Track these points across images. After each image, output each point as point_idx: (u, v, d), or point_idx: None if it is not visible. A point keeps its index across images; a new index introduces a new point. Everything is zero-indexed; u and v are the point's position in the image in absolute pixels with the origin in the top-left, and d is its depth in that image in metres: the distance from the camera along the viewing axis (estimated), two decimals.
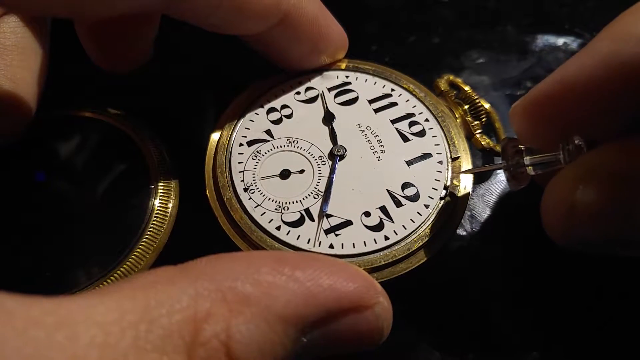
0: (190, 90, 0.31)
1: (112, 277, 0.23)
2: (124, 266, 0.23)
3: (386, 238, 0.24)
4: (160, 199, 0.25)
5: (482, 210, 0.28)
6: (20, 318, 0.12)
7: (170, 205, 0.25)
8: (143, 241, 0.24)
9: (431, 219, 0.25)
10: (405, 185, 0.25)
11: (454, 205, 0.25)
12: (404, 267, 0.24)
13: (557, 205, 0.20)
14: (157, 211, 0.25)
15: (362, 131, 0.27)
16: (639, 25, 0.19)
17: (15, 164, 0.26)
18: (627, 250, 0.20)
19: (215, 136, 0.27)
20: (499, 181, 0.29)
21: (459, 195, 0.25)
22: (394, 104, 0.28)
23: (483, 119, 0.28)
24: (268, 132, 0.27)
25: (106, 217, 0.24)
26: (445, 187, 0.25)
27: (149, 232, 0.24)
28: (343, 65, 0.29)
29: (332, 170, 0.25)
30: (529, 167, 0.23)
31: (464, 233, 0.27)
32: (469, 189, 0.26)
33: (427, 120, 0.27)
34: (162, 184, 0.25)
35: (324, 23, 0.26)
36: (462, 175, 0.26)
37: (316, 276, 0.17)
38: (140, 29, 0.26)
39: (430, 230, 0.24)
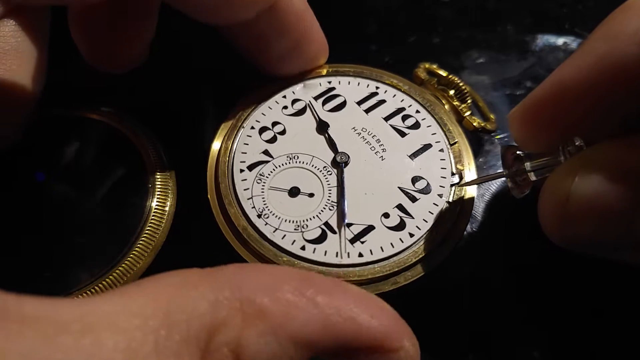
0: (189, 90, 0.31)
1: (110, 277, 0.23)
2: (122, 265, 0.23)
3: (411, 235, 0.24)
4: (157, 199, 0.25)
5: (482, 210, 0.28)
6: (50, 325, 0.13)
7: (168, 205, 0.25)
8: (141, 241, 0.24)
9: (445, 215, 0.24)
10: (415, 179, 0.25)
11: (460, 206, 0.25)
12: (432, 263, 0.23)
13: (552, 199, 0.20)
14: (155, 211, 0.25)
15: (359, 134, 0.27)
16: (631, 23, 0.19)
17: (14, 164, 0.26)
18: (628, 254, 0.20)
19: (211, 164, 0.26)
20: (499, 181, 0.29)
21: (465, 197, 0.25)
22: (382, 102, 0.28)
23: (469, 101, 0.28)
24: (266, 152, 0.26)
25: (104, 217, 0.24)
26: (453, 174, 0.25)
27: (146, 232, 0.24)
28: (324, 71, 0.29)
29: (341, 179, 0.25)
30: (531, 173, 0.22)
31: (464, 233, 0.27)
32: (474, 192, 0.26)
33: (417, 111, 0.27)
34: (159, 184, 0.25)
35: (309, 20, 0.26)
36: (465, 175, 0.26)
37: (339, 305, 0.16)
38: (137, 29, 0.26)
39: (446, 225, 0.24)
